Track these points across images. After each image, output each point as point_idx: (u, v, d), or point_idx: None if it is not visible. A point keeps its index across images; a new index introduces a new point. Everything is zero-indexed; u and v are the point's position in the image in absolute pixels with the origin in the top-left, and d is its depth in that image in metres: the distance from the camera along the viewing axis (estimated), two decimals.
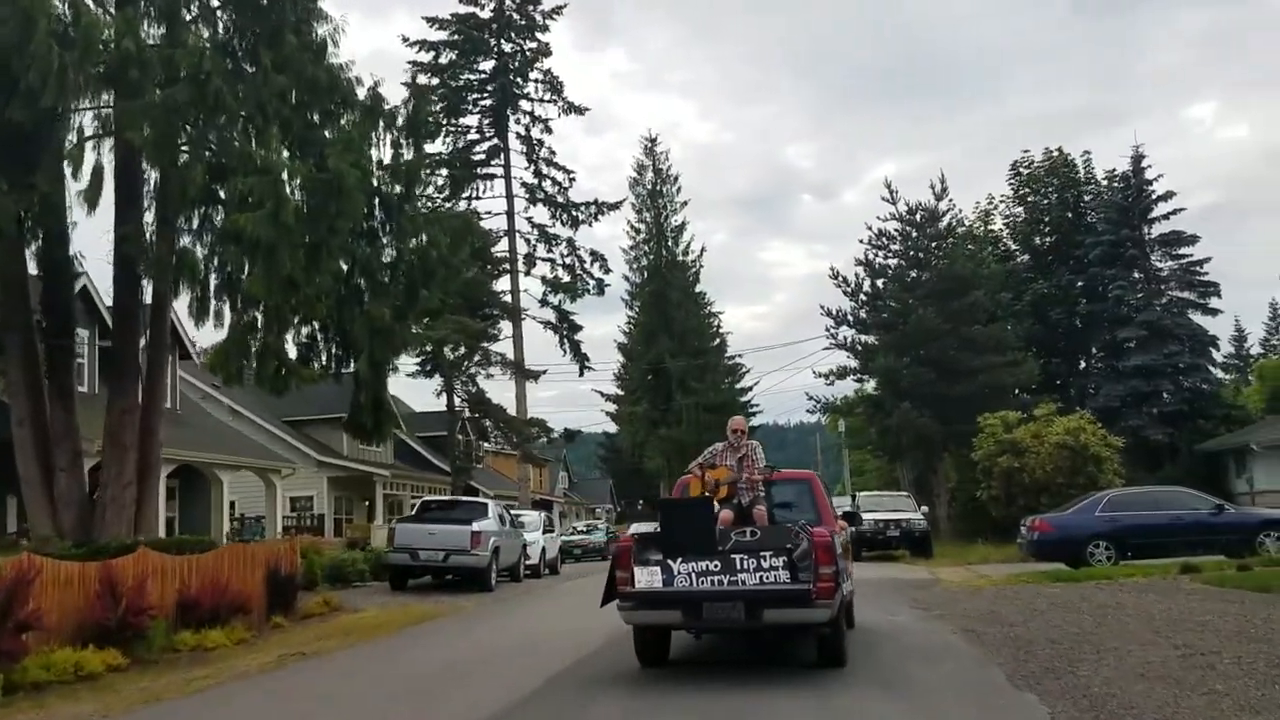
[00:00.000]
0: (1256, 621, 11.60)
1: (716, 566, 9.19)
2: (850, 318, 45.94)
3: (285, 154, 17.22)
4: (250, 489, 31.67)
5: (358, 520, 40.21)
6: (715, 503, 10.38)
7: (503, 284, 46.23)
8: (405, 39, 46.91)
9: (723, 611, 9.25)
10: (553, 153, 48.22)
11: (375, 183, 18.74)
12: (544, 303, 47.39)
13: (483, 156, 48.23)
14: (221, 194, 17.12)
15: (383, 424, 21.57)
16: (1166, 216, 46.79)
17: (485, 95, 48.24)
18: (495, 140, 48.24)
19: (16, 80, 14.94)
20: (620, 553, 9.75)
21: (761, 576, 9.09)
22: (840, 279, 46.13)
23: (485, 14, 47.33)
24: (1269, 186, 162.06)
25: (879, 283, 45.99)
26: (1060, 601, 15.19)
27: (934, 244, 44.98)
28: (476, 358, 42.48)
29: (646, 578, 9.35)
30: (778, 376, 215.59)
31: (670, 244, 60.92)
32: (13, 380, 17.92)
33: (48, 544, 15.71)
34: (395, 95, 24.47)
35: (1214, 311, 46.60)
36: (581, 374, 49.31)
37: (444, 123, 45.27)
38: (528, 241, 47.58)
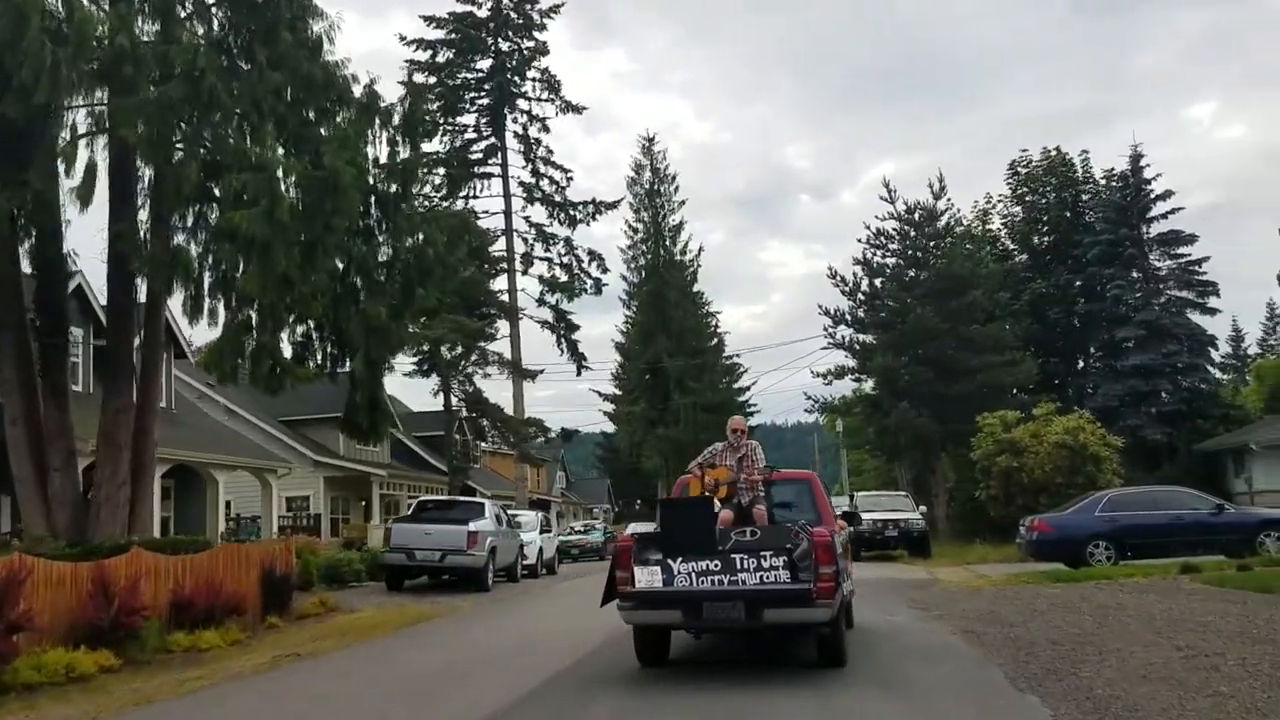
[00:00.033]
0: (1259, 622, 11.50)
1: (717, 566, 9.14)
2: (848, 317, 45.92)
3: (280, 151, 17.06)
4: (246, 489, 31.52)
5: (354, 520, 40.05)
6: (716, 502, 10.32)
7: (500, 283, 46.20)
8: (402, 37, 46.81)
9: (723, 611, 9.20)
10: (550, 152, 48.19)
11: (371, 181, 18.59)
12: (541, 302, 47.33)
13: (480, 155, 48.11)
14: (216, 192, 17.01)
15: (379, 423, 21.44)
16: (1165, 216, 46.75)
17: (482, 94, 48.12)
18: (492, 139, 48.13)
19: (9, 77, 14.81)
20: (620, 552, 9.70)
21: (762, 576, 9.05)
22: (838, 278, 46.17)
23: (482, 13, 47.23)
24: (1267, 187, 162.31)
25: (877, 282, 45.96)
26: (1060, 602, 15.10)
27: (932, 243, 44.93)
28: (474, 357, 42.36)
29: (647, 577, 9.30)
30: (775, 376, 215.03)
31: (668, 243, 60.85)
32: (6, 379, 17.78)
33: (41, 544, 15.59)
34: (392, 95, 24.18)
35: (1212, 311, 46.58)
36: (579, 373, 49.36)
37: (441, 122, 45.18)
38: (525, 241, 47.51)
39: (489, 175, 47.89)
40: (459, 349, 40.63)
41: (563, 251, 47.47)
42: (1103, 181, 50.27)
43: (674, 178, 62.10)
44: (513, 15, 47.55)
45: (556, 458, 71.50)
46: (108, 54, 15.57)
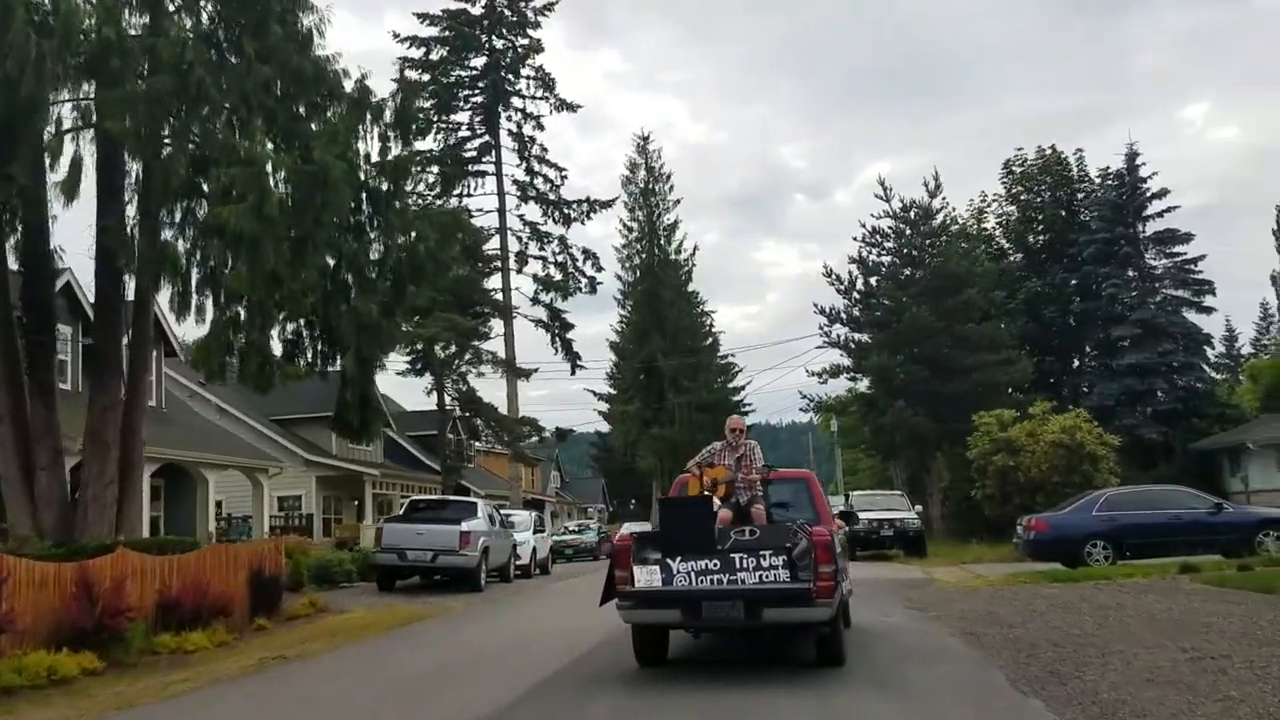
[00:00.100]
0: (1263, 623, 11.32)
1: (716, 565, 9.08)
2: (844, 315, 45.85)
3: (270, 146, 16.83)
4: (237, 488, 31.27)
5: (347, 520, 39.87)
6: (715, 501, 10.24)
7: (494, 282, 45.98)
8: (396, 35, 46.62)
9: (722, 611, 9.14)
10: (545, 150, 48.03)
11: (363, 176, 18.38)
12: (535, 301, 47.16)
13: (474, 154, 47.95)
14: (205, 187, 16.76)
15: (370, 422, 21.24)
16: (1160, 214, 46.67)
17: (477, 92, 47.93)
18: (487, 137, 47.95)
19: None
20: (619, 552, 9.63)
21: (761, 576, 8.99)
22: (834, 277, 46.07)
23: (476, 10, 47.03)
24: (1259, 187, 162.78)
25: (873, 280, 45.87)
26: (1059, 602, 14.92)
27: (928, 242, 44.82)
28: (467, 356, 42.20)
29: (646, 577, 9.24)
30: (770, 376, 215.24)
31: (663, 243, 60.56)
32: None
33: (27, 544, 15.34)
34: (385, 93, 24.16)
35: (1208, 310, 46.60)
36: (573, 373, 49.05)
37: (435, 119, 44.87)
38: (519, 239, 47.35)
39: (483, 173, 47.76)
40: (453, 348, 40.46)
41: (557, 250, 47.34)
42: (1098, 180, 50.17)
43: (669, 177, 61.84)
44: (507, 12, 47.37)
45: (551, 457, 71.36)
46: (94, 47, 15.36)
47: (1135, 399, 43.69)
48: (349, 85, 18.23)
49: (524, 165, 47.65)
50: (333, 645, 14.09)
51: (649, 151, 61.31)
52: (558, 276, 47.07)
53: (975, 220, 52.85)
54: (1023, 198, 51.60)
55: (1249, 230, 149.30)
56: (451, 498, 30.05)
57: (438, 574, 22.98)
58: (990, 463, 33.57)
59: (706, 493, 10.46)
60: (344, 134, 17.70)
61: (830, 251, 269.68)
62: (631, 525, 32.41)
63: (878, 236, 45.70)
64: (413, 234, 19.43)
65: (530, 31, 47.56)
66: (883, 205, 45.41)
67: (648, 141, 61.44)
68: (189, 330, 27.77)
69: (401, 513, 25.93)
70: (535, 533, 31.04)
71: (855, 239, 46.49)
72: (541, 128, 47.92)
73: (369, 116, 18.44)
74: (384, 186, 18.94)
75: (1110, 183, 48.56)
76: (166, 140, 16.35)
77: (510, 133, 47.82)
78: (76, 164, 16.15)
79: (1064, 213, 50.22)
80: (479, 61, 47.78)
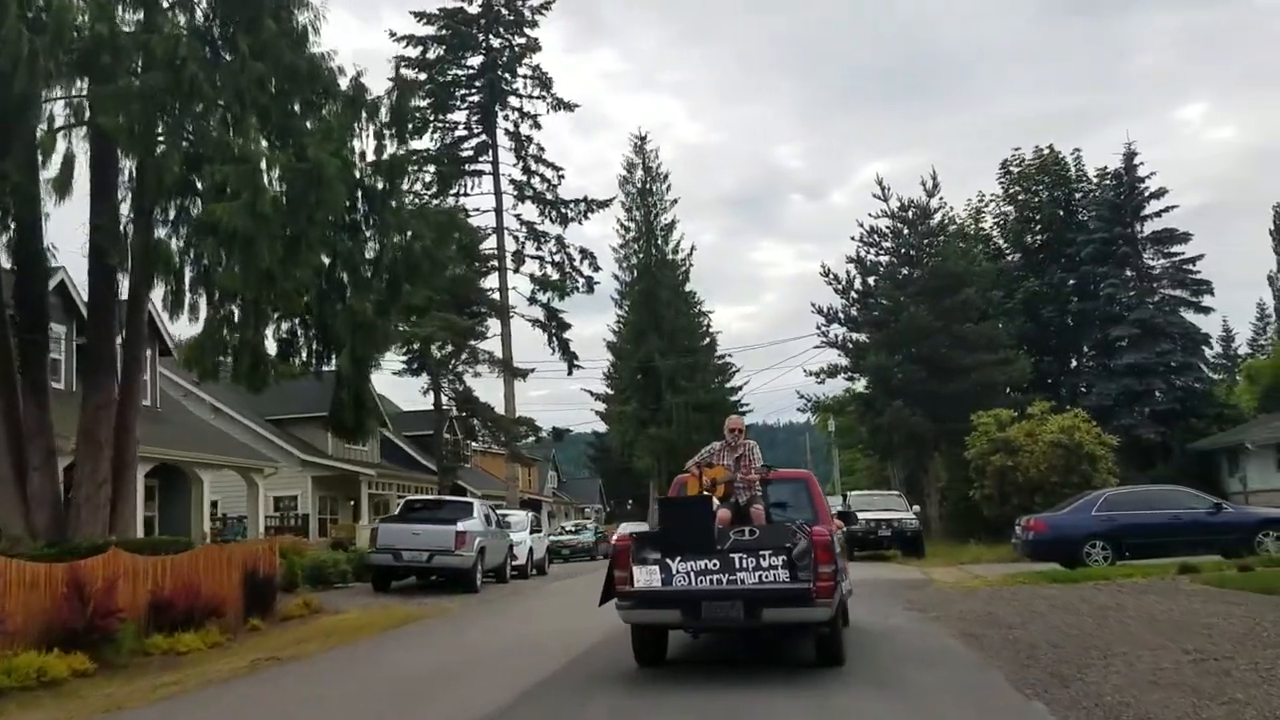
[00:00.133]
0: (1266, 624, 11.20)
1: (715, 565, 9.06)
2: (841, 315, 45.74)
3: (264, 143, 16.65)
4: (232, 488, 31.13)
5: (343, 520, 39.73)
6: (714, 501, 10.20)
7: (491, 281, 45.78)
8: (393, 34, 46.42)
9: (722, 611, 9.11)
10: (541, 149, 47.74)
11: (358, 174, 18.23)
12: (532, 300, 46.90)
13: (471, 153, 47.68)
14: (199, 184, 16.62)
15: (365, 421, 21.09)
16: (1159, 214, 46.64)
17: (473, 91, 47.71)
18: (483, 137, 47.72)
19: None
20: (619, 552, 9.61)
21: (761, 576, 8.96)
22: (831, 276, 45.96)
23: (473, 9, 46.81)
24: (1256, 188, 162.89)
25: (870, 280, 45.77)
26: (1059, 603, 14.81)
27: (925, 241, 44.73)
28: (464, 355, 42.03)
29: (645, 577, 9.21)
30: (767, 376, 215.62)
31: (660, 242, 60.31)
32: None
33: (19, 544, 15.25)
34: (381, 90, 24.04)
35: (1206, 310, 46.53)
36: (570, 372, 48.88)
37: (431, 118, 44.65)
38: (516, 239, 47.12)
39: (480, 173, 47.50)
40: (449, 347, 40.31)
41: (554, 250, 47.10)
42: (1096, 180, 50.13)
43: (666, 176, 61.56)
44: (504, 11, 47.17)
45: (548, 457, 71.25)
46: (87, 43, 15.23)
47: (1133, 399, 43.63)
48: (344, 83, 18.06)
49: (521, 165, 47.45)
50: (327, 646, 13.97)
51: (646, 151, 61.08)
52: (555, 276, 46.87)
53: (973, 220, 52.81)
54: (1020, 197, 51.56)
55: (1246, 231, 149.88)
56: (447, 498, 29.93)
57: (433, 574, 22.88)
58: (988, 463, 33.48)
59: (706, 492, 10.42)
60: (339, 131, 17.55)
61: (827, 252, 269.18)
62: (629, 525, 32.46)
63: (875, 236, 45.65)
64: (408, 233, 19.23)
65: (527, 30, 47.37)
66: (881, 205, 45.44)
67: (645, 141, 61.18)
68: (183, 329, 27.67)
69: (397, 513, 25.79)
70: (532, 533, 30.92)
71: (853, 238, 46.52)
72: (539, 127, 47.74)
73: (364, 114, 18.27)
74: (379, 185, 18.76)
75: (1108, 182, 48.52)
76: (160, 137, 16.19)
77: (507, 132, 47.64)
78: (69, 161, 15.99)
79: (1062, 212, 50.18)
80: (476, 60, 47.58)
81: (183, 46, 15.63)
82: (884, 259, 45.77)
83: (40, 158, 16.00)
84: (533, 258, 46.89)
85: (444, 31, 46.49)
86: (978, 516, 34.75)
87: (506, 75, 47.39)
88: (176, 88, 15.54)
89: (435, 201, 40.07)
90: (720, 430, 11.30)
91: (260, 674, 11.70)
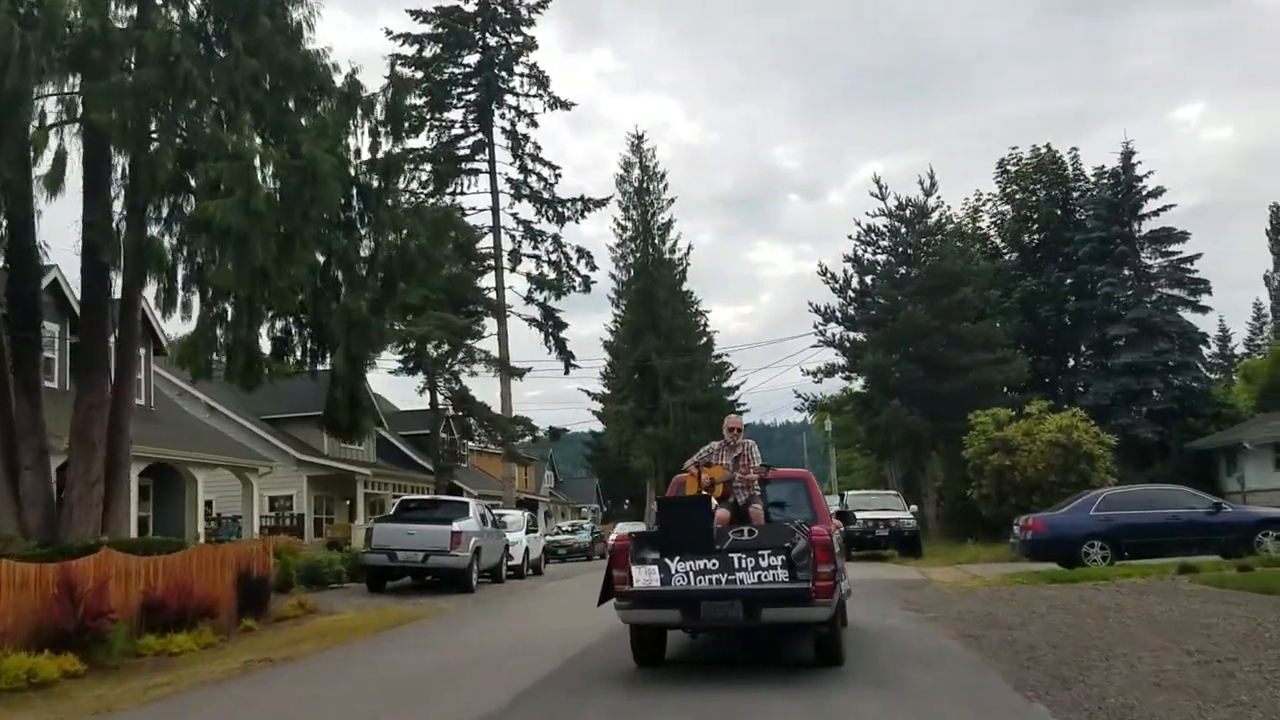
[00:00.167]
0: (1268, 625, 11.11)
1: (714, 565, 9.02)
2: (839, 314, 45.67)
3: (258, 140, 16.60)
4: (228, 488, 30.98)
5: (339, 520, 39.54)
6: (713, 500, 10.16)
7: (487, 280, 45.66)
8: (389, 32, 46.27)
9: (721, 610, 9.07)
10: (538, 148, 47.63)
11: (353, 172, 18.14)
12: (529, 300, 46.78)
13: (467, 151, 47.56)
14: (192, 181, 16.50)
15: (360, 420, 20.97)
16: (1156, 213, 46.61)
17: (470, 89, 47.59)
18: (480, 135, 47.59)
19: None
20: (618, 551, 9.55)
21: (760, 575, 8.92)
22: (829, 275, 45.89)
23: (470, 7, 46.72)
24: (1252, 188, 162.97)
25: (868, 279, 45.69)
26: (1059, 603, 14.70)
27: (923, 240, 44.65)
28: (460, 355, 41.92)
29: (644, 577, 9.17)
30: (764, 375, 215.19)
31: (657, 242, 60.20)
32: None
33: (12, 544, 15.10)
34: (377, 88, 23.95)
35: (1204, 309, 46.48)
36: (567, 372, 48.82)
37: (428, 117, 44.50)
38: (513, 238, 46.99)
39: (476, 171, 47.38)
40: (445, 346, 40.20)
41: (551, 249, 46.99)
42: (1093, 179, 50.09)
43: (663, 176, 61.40)
44: (500, 10, 47.06)
45: (544, 457, 71.09)
46: (79, 39, 15.13)
47: (1131, 398, 43.58)
48: (339, 80, 18.02)
49: (517, 163, 47.32)
50: (321, 647, 13.85)
51: (643, 150, 60.95)
52: (551, 275, 46.76)
53: (970, 219, 52.76)
54: (1018, 197, 51.54)
55: (1242, 231, 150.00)
56: (443, 497, 29.82)
57: (429, 575, 22.74)
58: (986, 462, 33.39)
59: (704, 492, 10.37)
60: (334, 129, 17.45)
61: (823, 252, 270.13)
62: (626, 525, 32.33)
63: (873, 235, 45.58)
64: (404, 231, 19.14)
65: (524, 29, 47.28)
66: (878, 204, 45.34)
67: (642, 140, 61.00)
68: (177, 327, 27.55)
69: (392, 512, 25.68)
70: (528, 532, 30.78)
71: (850, 237, 46.45)
72: (535, 125, 47.61)
73: (359, 111, 18.20)
74: (375, 182, 18.67)
75: (1106, 181, 48.45)
76: (153, 134, 16.11)
77: (504, 130, 47.52)
78: (60, 157, 15.89)
79: (1059, 211, 50.16)
80: (472, 59, 47.46)
81: (176, 42, 15.56)
82: (881, 258, 45.72)
83: (32, 154, 15.88)
84: (529, 257, 46.83)
85: (440, 30, 46.38)
86: (975, 516, 34.65)
87: (503, 74, 47.30)
88: (170, 84, 15.46)
89: (431, 200, 39.94)
90: (717, 430, 11.26)
91: (253, 675, 11.57)
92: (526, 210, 47.22)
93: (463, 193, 46.69)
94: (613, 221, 60.60)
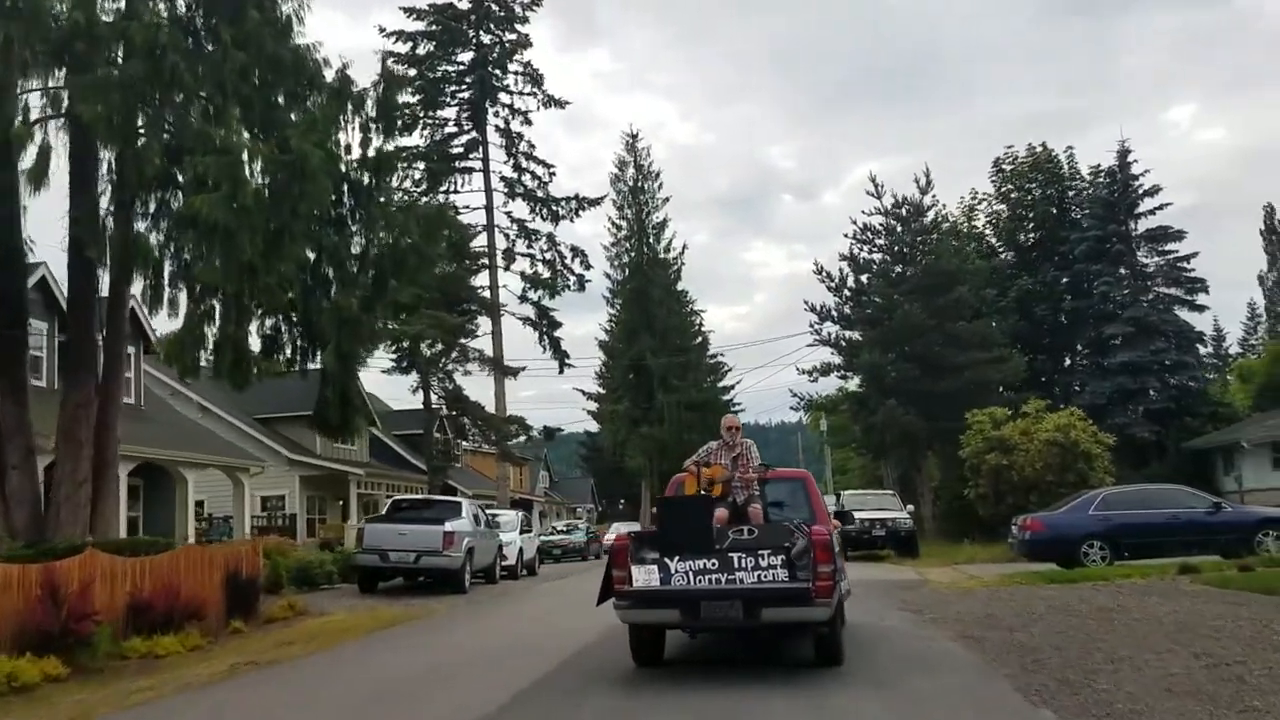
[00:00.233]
0: (1275, 627, 10.89)
1: (714, 565, 8.98)
2: (834, 313, 45.54)
3: (246, 135, 16.32)
4: (219, 488, 30.73)
5: (331, 520, 39.30)
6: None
7: (481, 279, 45.57)
8: (382, 29, 46.08)
9: (721, 610, 9.02)
10: (532, 146, 47.55)
11: (343, 168, 17.89)
12: (523, 299, 46.70)
13: (461, 150, 47.49)
14: (180, 177, 16.26)
15: (350, 419, 20.73)
16: (1152, 212, 46.48)
17: (463, 87, 47.47)
18: (474, 133, 47.48)
19: None
20: (617, 551, 9.48)
21: (760, 575, 8.87)
22: (824, 274, 45.68)
23: (463, 5, 46.59)
24: (1244, 188, 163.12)
25: (863, 278, 45.56)
26: (1059, 604, 14.49)
27: (919, 239, 44.52)
28: (454, 354, 41.72)
29: (644, 576, 9.11)
30: (760, 375, 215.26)
31: (652, 241, 60.05)
32: None
33: None
34: (368, 84, 23.74)
35: (1201, 308, 46.36)
36: (561, 371, 48.68)
37: (421, 115, 44.32)
38: (507, 236, 46.90)
39: (470, 170, 47.28)
40: (439, 345, 39.98)
41: (545, 248, 46.90)
42: (1089, 178, 49.97)
43: (658, 175, 61.23)
44: (494, 7, 46.91)
45: (539, 457, 70.84)
46: (65, 31, 14.91)
47: (1127, 397, 43.44)
48: (329, 75, 17.78)
49: (511, 162, 47.23)
50: (310, 649, 13.60)
51: (638, 149, 60.80)
52: (545, 274, 46.66)
53: (966, 218, 52.63)
54: (1013, 195, 51.44)
55: (1234, 231, 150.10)
56: (435, 497, 29.59)
57: (421, 575, 22.49)
58: (983, 461, 33.24)
59: (704, 491, 10.28)
60: (324, 124, 17.22)
61: (819, 252, 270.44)
62: (621, 525, 32.13)
63: (869, 234, 45.51)
64: (396, 229, 18.91)
65: (518, 27, 47.22)
66: (874, 202, 45.24)
67: (637, 139, 60.86)
68: (166, 325, 27.30)
69: (384, 513, 25.41)
70: (522, 533, 30.53)
71: (846, 236, 46.41)
72: (529, 124, 47.53)
73: (350, 107, 17.94)
74: (366, 179, 18.43)
75: (1102, 180, 48.33)
76: (140, 128, 15.88)
77: (498, 129, 47.40)
78: (45, 152, 15.69)
79: (1055, 210, 50.05)
80: (466, 57, 47.38)
81: (163, 35, 15.33)
82: (877, 257, 45.63)
83: (16, 149, 15.64)
84: (523, 255, 46.72)
85: (434, 27, 46.26)
86: (972, 516, 34.51)
87: (497, 71, 47.16)
88: (157, 77, 15.25)
89: (425, 198, 39.72)
90: (713, 430, 11.18)
91: (240, 678, 11.32)
92: (520, 209, 47.21)
93: (456, 191, 46.68)
94: (607, 221, 60.55)
